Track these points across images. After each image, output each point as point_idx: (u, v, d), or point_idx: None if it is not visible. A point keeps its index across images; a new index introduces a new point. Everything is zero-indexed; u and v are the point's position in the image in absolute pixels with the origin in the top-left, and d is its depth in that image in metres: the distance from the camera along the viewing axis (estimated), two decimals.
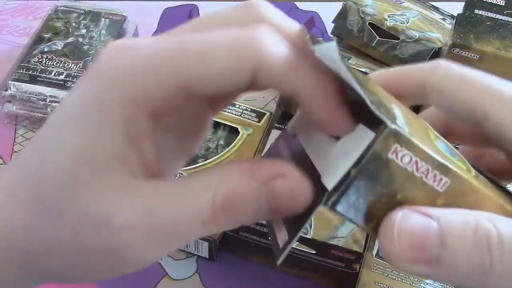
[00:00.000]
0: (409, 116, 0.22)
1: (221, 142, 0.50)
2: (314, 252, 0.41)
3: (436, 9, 0.66)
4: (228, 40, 0.19)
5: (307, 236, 0.40)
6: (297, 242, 0.41)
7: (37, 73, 0.55)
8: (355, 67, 0.56)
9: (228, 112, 0.53)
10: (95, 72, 0.20)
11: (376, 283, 0.40)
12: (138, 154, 0.20)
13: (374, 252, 0.41)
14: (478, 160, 0.27)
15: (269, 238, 0.21)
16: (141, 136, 0.20)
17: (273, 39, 0.19)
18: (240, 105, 0.54)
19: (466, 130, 0.27)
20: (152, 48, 0.19)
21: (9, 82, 0.54)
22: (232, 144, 0.50)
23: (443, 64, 0.24)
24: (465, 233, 0.18)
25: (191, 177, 0.20)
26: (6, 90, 0.54)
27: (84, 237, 0.19)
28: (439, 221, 0.18)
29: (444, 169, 0.18)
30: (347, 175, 0.18)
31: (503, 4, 0.53)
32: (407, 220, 0.18)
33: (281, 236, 0.20)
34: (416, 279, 0.39)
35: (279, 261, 0.19)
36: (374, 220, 0.19)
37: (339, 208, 0.19)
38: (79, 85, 0.20)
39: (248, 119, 0.53)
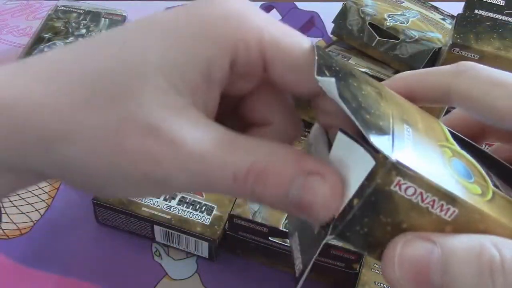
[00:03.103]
0: (424, 130, 0.21)
1: None
2: None
3: (436, 9, 0.66)
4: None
5: None
6: None
7: None
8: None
9: None
10: (204, 6, 0.20)
11: (376, 283, 0.40)
12: (207, 96, 0.20)
13: None
14: None
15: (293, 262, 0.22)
16: (217, 83, 0.20)
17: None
18: None
19: (500, 129, 0.24)
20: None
21: None
22: None
23: (469, 66, 0.23)
24: (468, 259, 0.17)
25: (246, 136, 0.20)
26: None
27: (127, 135, 0.19)
28: (442, 247, 0.18)
29: (451, 200, 0.18)
30: (350, 205, 0.18)
31: (503, 4, 0.53)
32: (409, 246, 0.18)
33: (297, 263, 0.21)
34: None
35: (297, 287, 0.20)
36: (379, 247, 0.19)
37: (345, 237, 0.19)
38: (183, 8, 0.21)
39: None
